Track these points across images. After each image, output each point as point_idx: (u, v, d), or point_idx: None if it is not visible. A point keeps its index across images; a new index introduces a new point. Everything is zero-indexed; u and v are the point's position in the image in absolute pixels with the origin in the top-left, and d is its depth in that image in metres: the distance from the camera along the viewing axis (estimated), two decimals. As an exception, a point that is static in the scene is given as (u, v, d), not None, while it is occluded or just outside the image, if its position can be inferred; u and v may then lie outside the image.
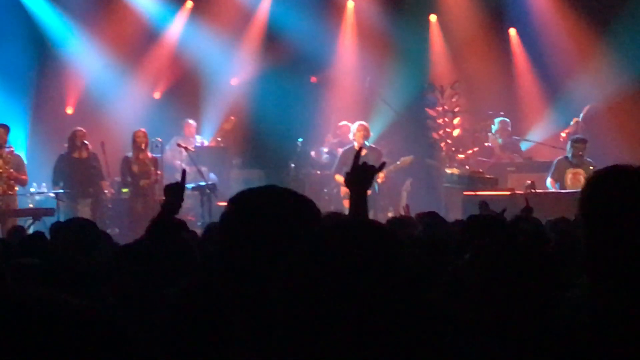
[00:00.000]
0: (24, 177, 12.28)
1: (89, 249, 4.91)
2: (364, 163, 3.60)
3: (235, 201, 2.44)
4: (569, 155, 12.60)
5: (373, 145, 13.40)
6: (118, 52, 15.63)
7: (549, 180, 12.59)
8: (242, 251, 2.31)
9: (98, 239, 5.19)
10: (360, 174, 3.56)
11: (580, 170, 12.40)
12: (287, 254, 1.80)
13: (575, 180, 12.31)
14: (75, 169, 12.62)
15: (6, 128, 12.12)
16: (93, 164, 12.80)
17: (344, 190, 12.21)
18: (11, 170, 12.01)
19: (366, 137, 13.13)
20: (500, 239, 2.97)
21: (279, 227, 2.32)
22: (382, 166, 3.87)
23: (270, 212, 2.36)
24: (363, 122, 13.47)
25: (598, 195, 2.35)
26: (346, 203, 3.57)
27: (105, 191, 13.19)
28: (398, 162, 13.55)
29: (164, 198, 4.08)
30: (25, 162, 12.65)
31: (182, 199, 4.06)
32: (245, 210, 2.39)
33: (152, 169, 12.99)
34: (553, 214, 7.69)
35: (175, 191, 4.04)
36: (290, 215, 2.37)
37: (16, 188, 12.18)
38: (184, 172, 4.29)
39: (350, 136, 13.41)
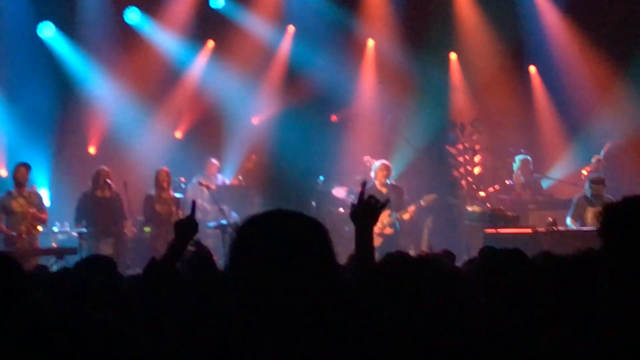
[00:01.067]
0: (43, 216, 12.26)
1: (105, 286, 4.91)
2: (370, 197, 3.59)
3: (242, 226, 2.44)
4: (588, 194, 12.52)
5: (394, 183, 13.38)
6: (140, 91, 15.70)
7: (569, 220, 12.51)
8: (250, 273, 2.32)
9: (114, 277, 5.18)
10: (366, 208, 3.56)
11: (601, 208, 12.30)
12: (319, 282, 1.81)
13: (596, 219, 12.21)
14: (98, 208, 12.63)
15: (27, 167, 12.12)
16: (116, 203, 12.78)
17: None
18: (34, 210, 12.05)
19: (387, 175, 13.11)
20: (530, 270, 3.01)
21: (287, 248, 2.32)
22: (386, 204, 3.83)
23: (277, 234, 2.36)
24: (384, 161, 13.45)
25: (617, 224, 2.37)
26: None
27: (125, 231, 13.18)
28: (421, 202, 13.19)
29: (174, 236, 3.93)
30: (50, 201, 12.60)
31: (193, 234, 3.95)
32: (252, 233, 2.39)
33: (174, 208, 13.00)
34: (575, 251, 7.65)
35: (186, 228, 3.92)
36: (297, 235, 2.37)
37: (39, 227, 12.21)
38: (193, 203, 4.16)
39: (372, 174, 13.36)
